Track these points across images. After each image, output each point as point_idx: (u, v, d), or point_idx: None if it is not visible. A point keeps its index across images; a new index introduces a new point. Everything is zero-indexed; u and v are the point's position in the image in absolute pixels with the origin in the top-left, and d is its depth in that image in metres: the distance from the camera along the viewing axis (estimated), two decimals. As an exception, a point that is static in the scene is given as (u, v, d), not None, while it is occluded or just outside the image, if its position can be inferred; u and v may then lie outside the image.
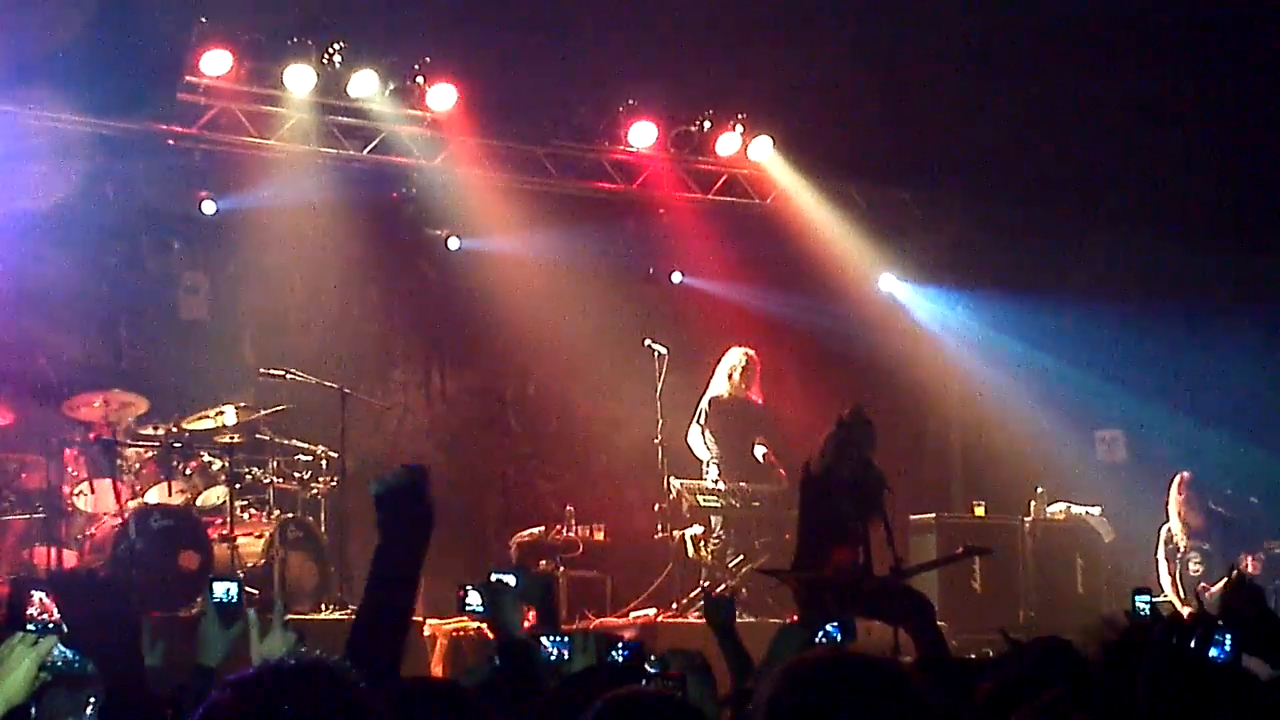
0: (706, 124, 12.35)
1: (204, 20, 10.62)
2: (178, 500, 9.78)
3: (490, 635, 4.48)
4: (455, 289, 12.48)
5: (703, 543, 11.01)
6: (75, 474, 9.57)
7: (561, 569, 10.70)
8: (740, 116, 12.36)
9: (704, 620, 8.43)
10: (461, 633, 9.43)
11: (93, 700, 3.31)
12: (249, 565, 9.65)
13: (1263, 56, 11.58)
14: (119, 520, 9.22)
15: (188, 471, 10.01)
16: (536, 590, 4.44)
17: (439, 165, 12.07)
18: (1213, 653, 3.47)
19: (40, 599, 3.07)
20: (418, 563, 3.21)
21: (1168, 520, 11.10)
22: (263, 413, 10.21)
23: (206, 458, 10.03)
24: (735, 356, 11.43)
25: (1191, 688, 3.15)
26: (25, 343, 10.42)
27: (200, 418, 10.02)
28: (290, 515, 10.07)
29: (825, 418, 8.59)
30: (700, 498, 11.02)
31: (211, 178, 11.45)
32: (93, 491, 9.57)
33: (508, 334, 12.48)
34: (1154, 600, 5.91)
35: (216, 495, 9.98)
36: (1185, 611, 9.95)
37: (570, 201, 12.55)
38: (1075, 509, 12.03)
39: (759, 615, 10.12)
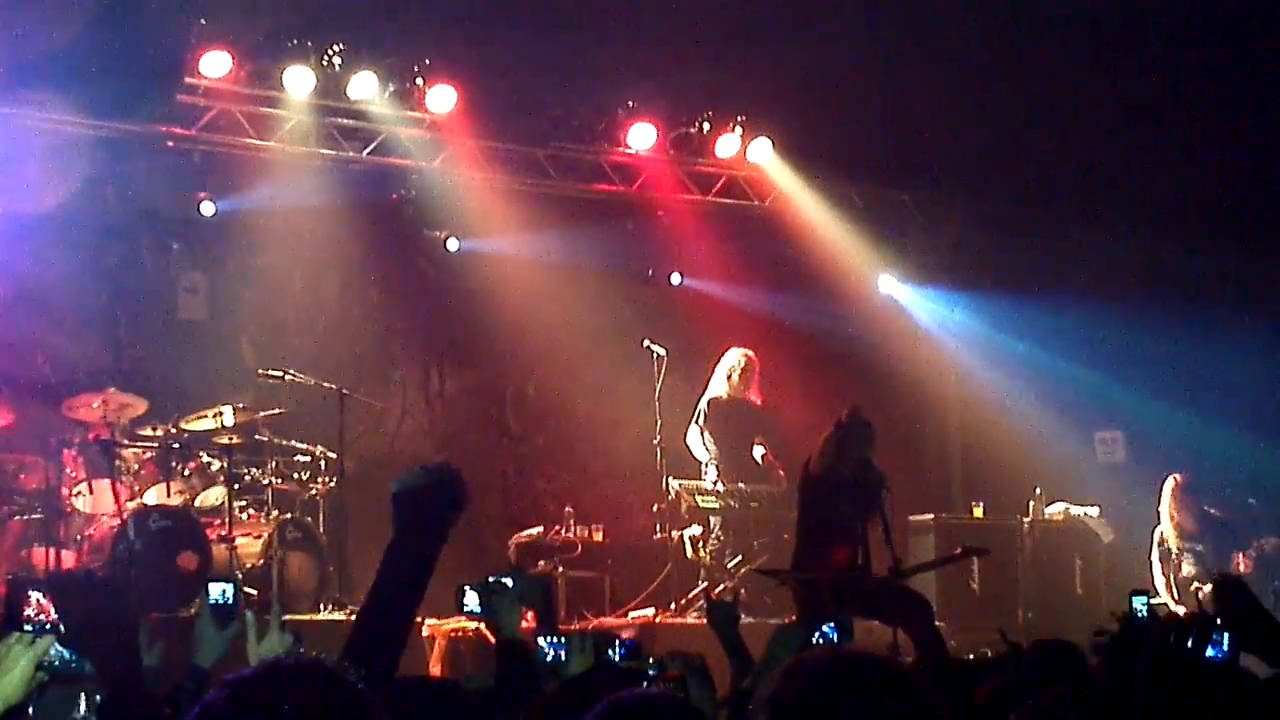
0: (706, 126, 12.35)
1: (203, 22, 10.62)
2: (176, 501, 9.78)
3: (488, 636, 4.48)
4: (455, 290, 12.48)
5: (701, 543, 11.01)
6: (74, 474, 9.57)
7: (560, 569, 10.70)
8: (739, 118, 12.36)
9: (703, 621, 8.43)
10: (460, 633, 9.42)
11: (84, 696, 3.31)
12: (247, 566, 9.64)
13: (1263, 56, 11.58)
14: (117, 521, 9.22)
15: (186, 472, 10.01)
16: (535, 592, 4.44)
17: (438, 167, 12.07)
18: (1210, 652, 3.47)
19: (38, 599, 3.06)
20: (428, 565, 3.18)
21: (1159, 523, 11.13)
22: (261, 414, 10.21)
23: (205, 458, 10.03)
24: (734, 357, 11.43)
25: (1189, 687, 3.15)
26: (24, 343, 10.43)
27: (199, 418, 10.02)
28: (289, 516, 10.06)
29: (824, 418, 8.60)
30: (699, 498, 11.02)
31: (211, 179, 11.45)
32: (91, 492, 9.56)
33: (507, 335, 12.48)
34: (1151, 601, 5.92)
35: (215, 496, 9.98)
36: (1180, 611, 9.97)
37: (569, 203, 12.54)
38: (1074, 510, 12.03)
39: (758, 616, 10.12)
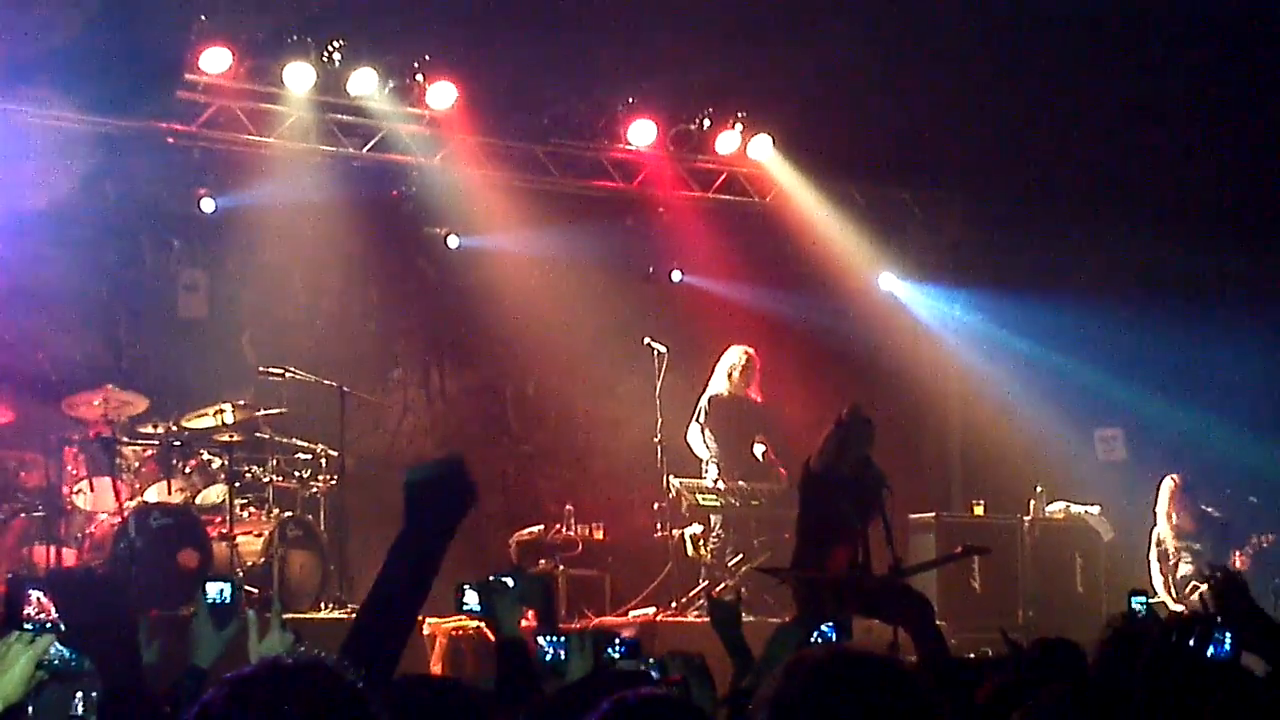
0: (706, 122, 12.35)
1: (203, 18, 10.62)
2: (177, 498, 9.78)
3: (489, 635, 4.47)
4: (455, 287, 12.48)
5: (702, 542, 11.01)
6: (74, 472, 9.57)
7: (561, 568, 10.71)
8: (740, 115, 12.36)
9: (703, 619, 8.44)
10: (461, 632, 9.42)
11: (80, 694, 3.30)
12: (248, 564, 9.64)
13: (1263, 56, 11.58)
14: (118, 518, 9.22)
15: (187, 470, 10.01)
16: (536, 592, 4.43)
17: (438, 163, 12.07)
18: (1211, 651, 3.47)
19: (38, 598, 3.06)
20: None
21: (1155, 524, 11.15)
22: (262, 411, 10.21)
23: (206, 456, 10.03)
24: (735, 355, 11.42)
25: (1190, 686, 3.15)
26: (25, 341, 10.42)
27: (199, 416, 10.02)
28: (289, 514, 10.06)
29: (825, 417, 8.60)
30: (700, 496, 11.02)
31: (211, 175, 11.46)
32: (92, 490, 9.56)
33: (507, 333, 12.47)
34: (1150, 601, 5.93)
35: (216, 493, 9.98)
36: (1178, 609, 9.99)
37: (570, 200, 12.54)
38: (1075, 508, 12.03)
39: (758, 614, 10.11)
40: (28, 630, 3.03)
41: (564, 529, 11.05)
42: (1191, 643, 3.38)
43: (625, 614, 10.67)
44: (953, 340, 13.76)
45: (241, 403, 10.13)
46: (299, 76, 10.97)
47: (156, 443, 9.92)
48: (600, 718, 2.57)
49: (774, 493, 11.06)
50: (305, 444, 10.40)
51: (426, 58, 11.34)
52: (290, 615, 5.09)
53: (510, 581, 4.16)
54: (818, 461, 8.31)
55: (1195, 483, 11.21)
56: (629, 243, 12.92)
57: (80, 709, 3.30)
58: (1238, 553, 10.79)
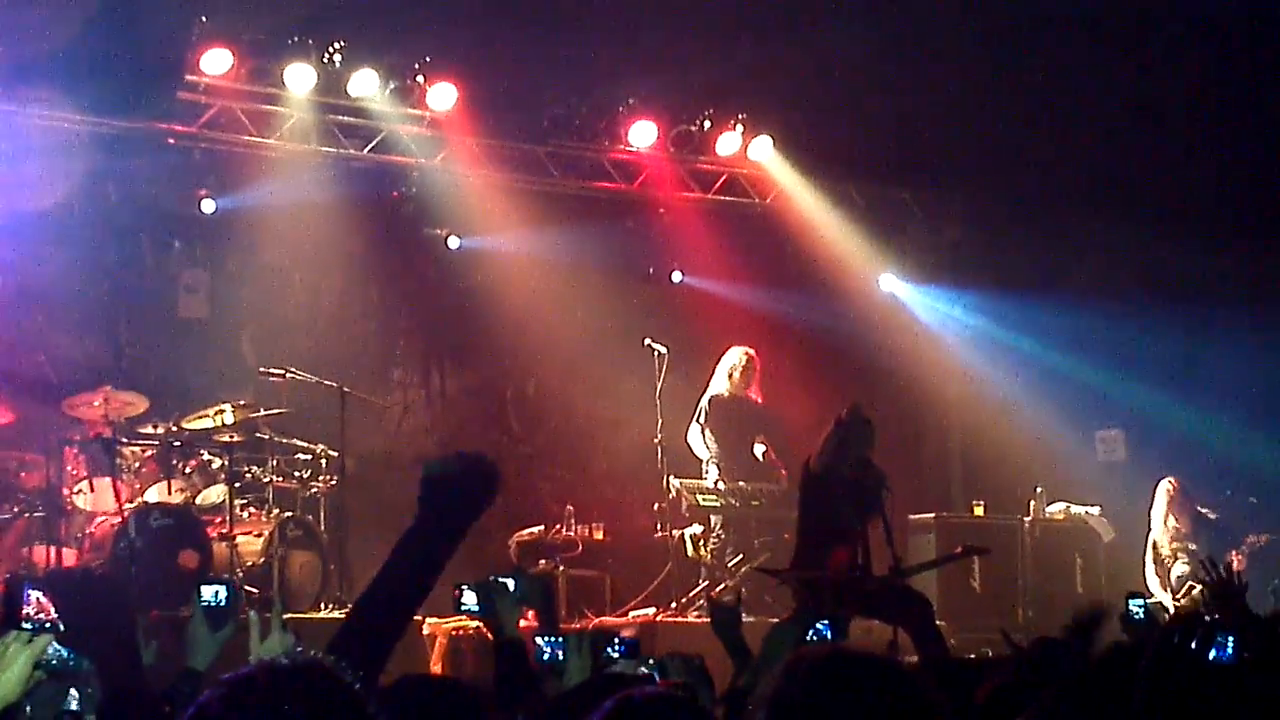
0: (707, 123, 12.35)
1: (204, 19, 10.63)
2: (177, 499, 9.78)
3: (489, 635, 4.47)
4: (455, 288, 12.48)
5: (702, 542, 11.00)
6: (75, 472, 9.57)
7: (561, 568, 10.70)
8: (740, 116, 12.36)
9: (703, 620, 8.43)
10: (461, 632, 9.42)
11: (74, 690, 3.29)
12: (248, 564, 9.64)
13: (1263, 56, 11.58)
14: (118, 519, 9.21)
15: (187, 470, 10.01)
16: (536, 592, 4.43)
17: (439, 164, 12.07)
18: (1214, 654, 3.46)
19: (37, 598, 3.05)
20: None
21: (1150, 530, 11.15)
22: (262, 412, 10.20)
23: (206, 456, 10.03)
24: (735, 355, 11.41)
25: (1190, 688, 3.14)
26: (25, 341, 10.42)
27: (200, 416, 10.01)
28: (290, 514, 10.06)
29: (825, 417, 8.59)
30: (700, 497, 11.01)
31: (211, 176, 11.46)
32: (92, 490, 9.56)
33: (508, 333, 12.47)
34: (1148, 602, 5.93)
35: (216, 494, 9.97)
36: (1175, 608, 10.00)
37: (570, 201, 12.54)
38: (1075, 509, 12.03)
39: (758, 615, 10.11)
40: (26, 630, 3.02)
41: (564, 529, 11.05)
42: (1194, 646, 3.38)
43: (625, 614, 10.67)
44: (953, 340, 13.76)
45: (241, 403, 10.12)
46: (300, 77, 10.97)
47: (156, 443, 9.91)
48: (605, 716, 2.56)
49: (774, 493, 11.05)
50: (305, 444, 10.40)
51: (427, 59, 11.35)
52: (290, 615, 5.07)
53: (511, 582, 4.16)
54: (818, 462, 8.31)
55: (1191, 485, 11.23)
56: (629, 243, 12.92)
57: (75, 704, 3.29)
58: (1234, 554, 10.79)
